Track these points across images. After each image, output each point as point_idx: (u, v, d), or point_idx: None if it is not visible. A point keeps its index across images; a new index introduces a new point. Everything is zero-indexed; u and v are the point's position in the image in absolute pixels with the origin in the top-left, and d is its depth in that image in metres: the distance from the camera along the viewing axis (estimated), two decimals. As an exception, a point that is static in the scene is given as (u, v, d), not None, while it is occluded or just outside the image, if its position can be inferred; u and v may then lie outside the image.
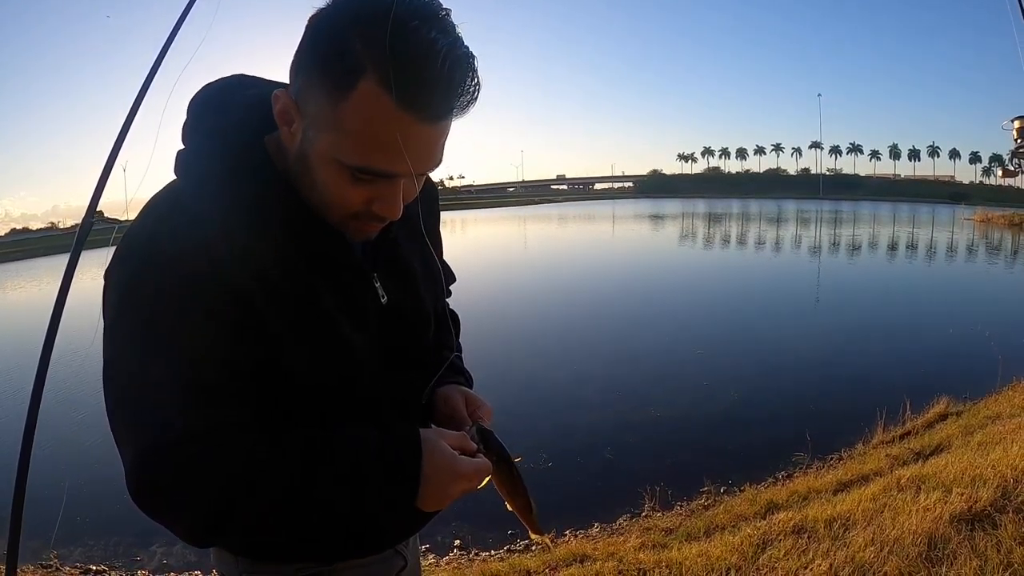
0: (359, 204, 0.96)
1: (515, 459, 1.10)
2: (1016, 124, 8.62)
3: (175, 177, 1.02)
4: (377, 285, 1.11)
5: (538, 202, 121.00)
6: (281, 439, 0.95)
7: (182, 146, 1.03)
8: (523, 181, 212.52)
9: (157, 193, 1.01)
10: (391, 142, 0.87)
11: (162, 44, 1.72)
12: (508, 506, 1.14)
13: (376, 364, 1.11)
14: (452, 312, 1.46)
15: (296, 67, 0.92)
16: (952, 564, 3.03)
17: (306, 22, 0.91)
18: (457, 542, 5.10)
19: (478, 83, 0.90)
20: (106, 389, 0.92)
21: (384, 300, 1.12)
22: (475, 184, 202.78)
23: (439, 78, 0.85)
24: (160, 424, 0.89)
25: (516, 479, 1.11)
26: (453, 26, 0.88)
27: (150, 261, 0.92)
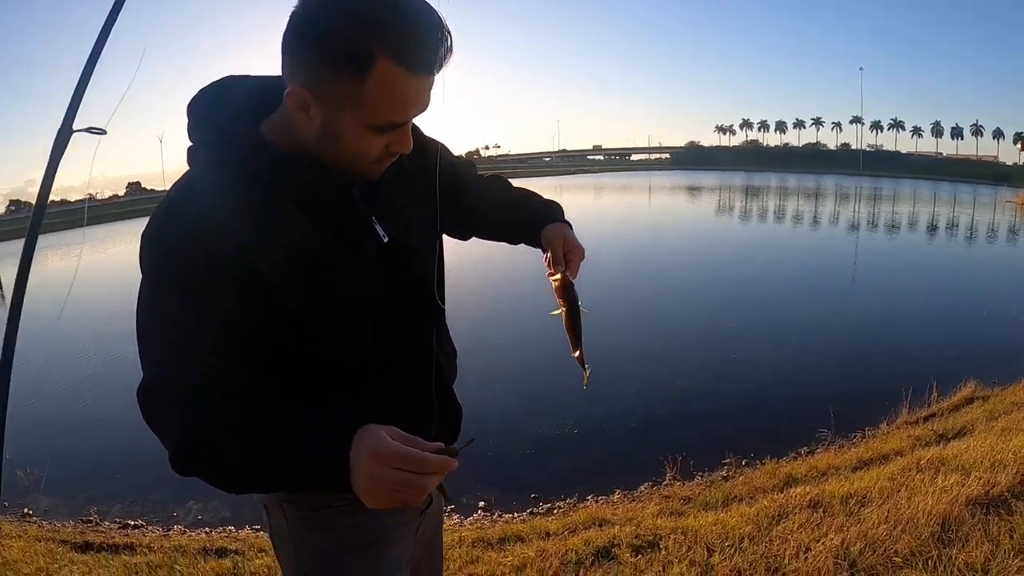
0: (380, 150, 1.15)
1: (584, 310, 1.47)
2: None
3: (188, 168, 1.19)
4: (377, 226, 1.26)
5: (574, 172, 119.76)
6: (244, 409, 1.09)
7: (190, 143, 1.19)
8: (559, 151, 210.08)
9: (176, 181, 1.18)
10: (407, 98, 1.08)
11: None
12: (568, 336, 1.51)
13: (382, 303, 1.26)
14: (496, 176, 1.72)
15: (298, 63, 1.06)
16: (964, 547, 3.04)
17: (287, 20, 1.06)
18: (482, 504, 5.27)
19: (449, 30, 1.08)
20: (136, 325, 1.11)
21: (385, 240, 1.26)
22: (511, 154, 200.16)
23: (431, 40, 1.05)
24: (154, 368, 1.09)
25: (578, 325, 1.49)
26: None
27: (164, 244, 1.10)
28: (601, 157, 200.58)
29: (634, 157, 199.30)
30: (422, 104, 1.11)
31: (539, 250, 1.55)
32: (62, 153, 0.95)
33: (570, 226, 1.59)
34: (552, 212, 1.62)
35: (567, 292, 1.46)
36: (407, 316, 1.33)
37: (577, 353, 1.53)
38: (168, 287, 1.09)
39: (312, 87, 1.05)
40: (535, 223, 1.58)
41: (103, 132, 1.03)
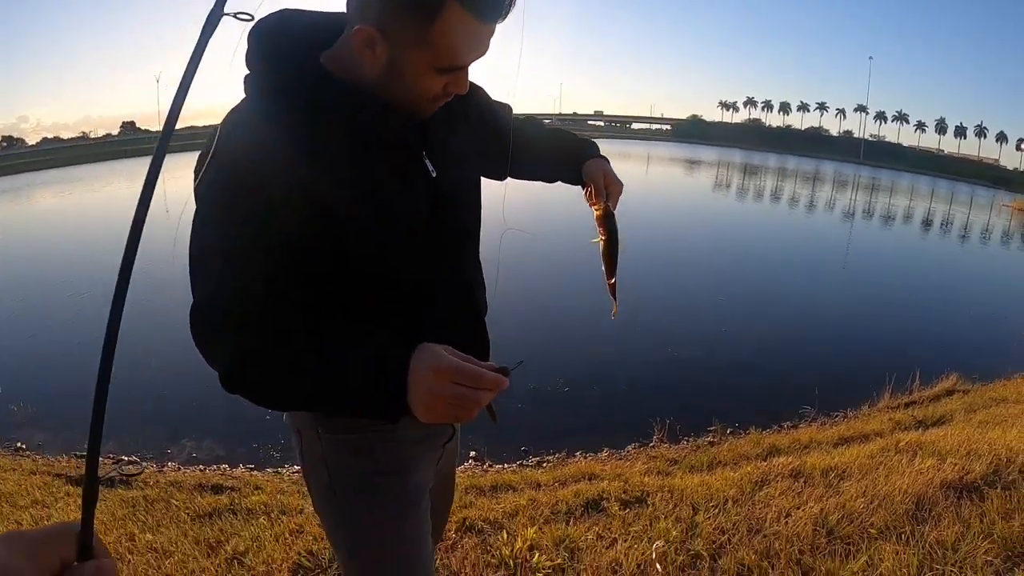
0: (439, 90, 1.19)
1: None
2: None
3: (245, 96, 1.21)
4: (426, 161, 1.31)
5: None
6: (297, 329, 1.14)
7: (247, 71, 1.21)
8: (560, 114, 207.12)
9: (231, 110, 1.20)
10: (471, 43, 1.13)
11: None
12: (605, 265, 1.59)
13: (429, 237, 1.31)
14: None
15: (368, 2, 1.10)
16: (936, 526, 3.12)
17: None
18: (472, 453, 5.38)
19: None
20: (190, 250, 1.15)
21: (434, 174, 1.32)
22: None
23: None
24: (206, 292, 1.13)
25: (615, 254, 1.58)
26: None
27: (220, 170, 1.12)
28: (601, 123, 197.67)
29: (635, 126, 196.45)
30: (483, 50, 1.16)
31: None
32: (210, 36, 0.96)
33: (607, 161, 1.67)
34: (590, 149, 1.70)
35: (608, 222, 1.56)
36: (451, 249, 1.39)
37: (612, 281, 1.63)
38: (222, 214, 1.12)
39: (381, 26, 1.09)
40: (575, 160, 1.66)
41: (251, 17, 1.08)
